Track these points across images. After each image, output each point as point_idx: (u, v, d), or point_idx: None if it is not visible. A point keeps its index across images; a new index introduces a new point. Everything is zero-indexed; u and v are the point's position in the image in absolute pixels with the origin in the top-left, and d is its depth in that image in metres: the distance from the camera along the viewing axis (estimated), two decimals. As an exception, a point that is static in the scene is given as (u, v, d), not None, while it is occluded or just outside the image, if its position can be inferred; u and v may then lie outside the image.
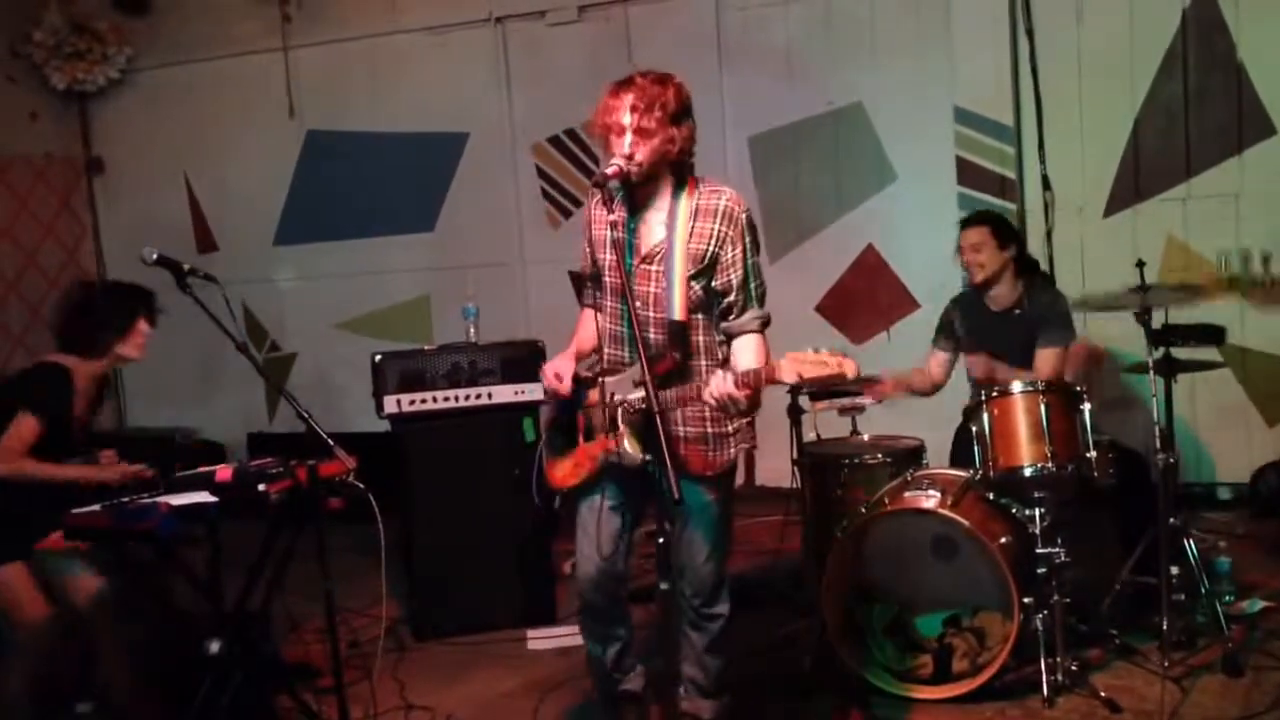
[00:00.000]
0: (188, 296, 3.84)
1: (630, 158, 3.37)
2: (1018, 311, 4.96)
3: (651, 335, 3.46)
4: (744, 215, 3.50)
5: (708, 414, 3.47)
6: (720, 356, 3.53)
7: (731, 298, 3.49)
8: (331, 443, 3.80)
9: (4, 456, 4.20)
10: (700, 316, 3.51)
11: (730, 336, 3.53)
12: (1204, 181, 6.41)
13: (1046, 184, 6.64)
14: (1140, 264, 4.48)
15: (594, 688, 4.00)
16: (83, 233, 8.83)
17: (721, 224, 3.46)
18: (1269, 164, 6.26)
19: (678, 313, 3.43)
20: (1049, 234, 6.63)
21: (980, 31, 6.70)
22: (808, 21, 7.17)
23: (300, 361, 8.50)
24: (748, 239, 3.50)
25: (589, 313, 3.77)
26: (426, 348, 5.48)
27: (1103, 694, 4.03)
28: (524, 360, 5.27)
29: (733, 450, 3.58)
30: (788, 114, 7.25)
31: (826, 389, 4.68)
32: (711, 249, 3.46)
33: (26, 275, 8.40)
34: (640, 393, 3.29)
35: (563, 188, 7.73)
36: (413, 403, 5.28)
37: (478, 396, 5.31)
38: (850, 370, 3.06)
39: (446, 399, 5.30)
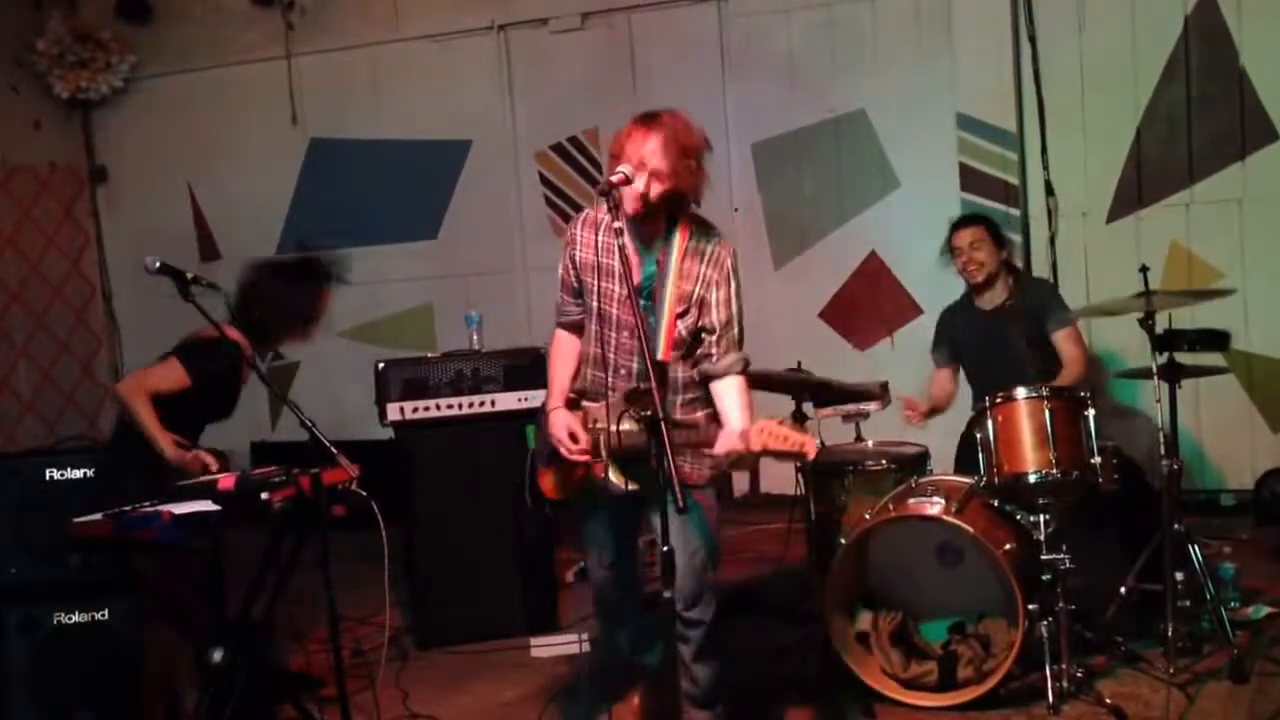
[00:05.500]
0: (191, 305, 3.84)
1: (645, 195, 3.37)
2: (1010, 303, 5.05)
3: (634, 365, 3.54)
4: (729, 260, 3.55)
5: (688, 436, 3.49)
6: (695, 393, 3.58)
7: (714, 339, 3.53)
8: (334, 451, 3.80)
9: (133, 380, 4.32)
10: (679, 352, 3.55)
11: (711, 378, 3.55)
12: (1207, 187, 6.41)
13: (1050, 190, 6.65)
14: (1144, 270, 4.49)
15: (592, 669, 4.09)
16: (86, 242, 8.83)
17: (708, 268, 3.52)
18: (1272, 170, 6.27)
19: (661, 350, 3.48)
20: (1052, 239, 6.64)
21: (982, 38, 6.71)
22: (810, 29, 7.18)
23: (303, 369, 8.49)
24: (733, 284, 3.55)
25: (564, 335, 3.81)
26: (430, 355, 5.48)
27: (1108, 701, 4.02)
28: (527, 368, 5.27)
29: (708, 466, 3.61)
30: (791, 121, 7.26)
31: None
32: (698, 291, 3.52)
33: (30, 284, 8.39)
34: (626, 425, 3.42)
35: (566, 195, 7.73)
36: (416, 410, 5.28)
37: (481, 404, 5.31)
38: (810, 451, 3.14)
39: (450, 406, 5.29)
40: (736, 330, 3.57)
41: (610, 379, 3.59)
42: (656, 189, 3.37)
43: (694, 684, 3.71)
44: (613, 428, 3.46)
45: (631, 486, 3.47)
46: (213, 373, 4.36)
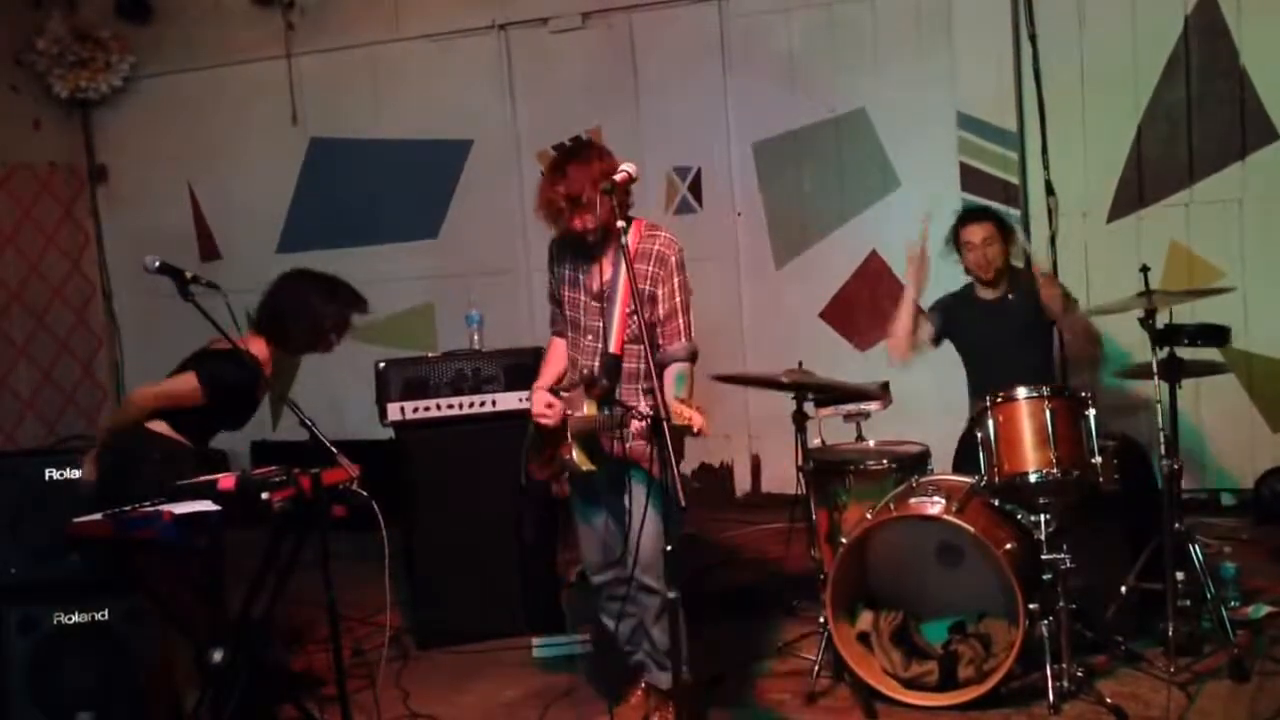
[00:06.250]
0: (191, 305, 3.83)
1: (584, 229, 3.84)
2: (1010, 297, 5.09)
3: (595, 364, 3.92)
4: (674, 257, 3.94)
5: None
6: (648, 384, 3.80)
7: (661, 330, 3.92)
8: (335, 450, 3.81)
9: (143, 390, 4.39)
10: (634, 348, 3.90)
11: (661, 366, 3.82)
12: (1207, 187, 6.40)
13: (1050, 189, 6.64)
14: (1144, 269, 4.49)
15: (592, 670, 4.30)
16: (86, 241, 8.82)
17: (654, 266, 3.92)
18: (1272, 169, 6.26)
19: (613, 345, 3.89)
20: (1052, 239, 6.62)
21: (982, 37, 6.70)
22: (811, 28, 7.17)
23: (303, 369, 8.47)
24: (677, 279, 3.94)
25: (556, 341, 4.23)
26: (430, 355, 5.49)
27: (1109, 700, 4.02)
28: (528, 368, 5.24)
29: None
30: (791, 120, 7.24)
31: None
32: (647, 288, 3.91)
33: (30, 284, 8.39)
34: (585, 410, 3.80)
35: (566, 194, 7.72)
36: (416, 410, 5.28)
37: (481, 404, 5.31)
38: (696, 425, 3.42)
39: (450, 406, 5.30)
40: (681, 321, 3.94)
41: (577, 376, 3.98)
42: (590, 219, 3.83)
43: (653, 647, 3.96)
44: (577, 413, 3.84)
45: (588, 466, 3.85)
46: (229, 387, 4.35)
